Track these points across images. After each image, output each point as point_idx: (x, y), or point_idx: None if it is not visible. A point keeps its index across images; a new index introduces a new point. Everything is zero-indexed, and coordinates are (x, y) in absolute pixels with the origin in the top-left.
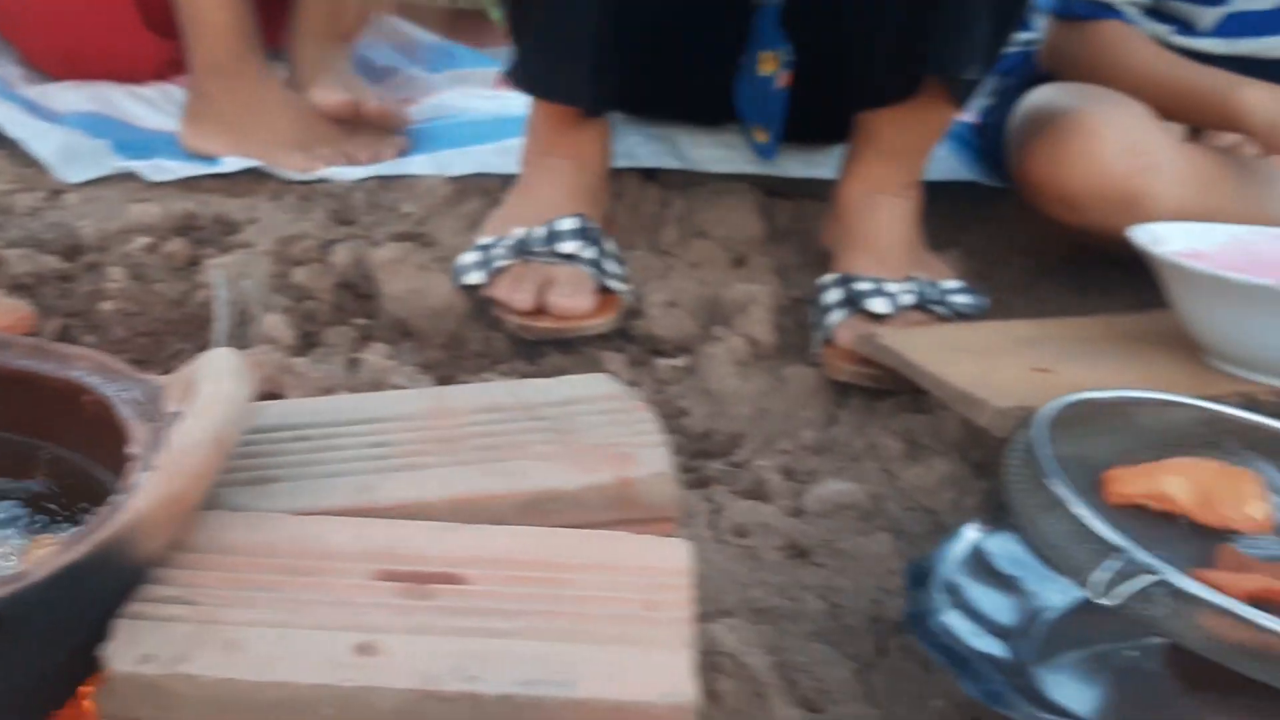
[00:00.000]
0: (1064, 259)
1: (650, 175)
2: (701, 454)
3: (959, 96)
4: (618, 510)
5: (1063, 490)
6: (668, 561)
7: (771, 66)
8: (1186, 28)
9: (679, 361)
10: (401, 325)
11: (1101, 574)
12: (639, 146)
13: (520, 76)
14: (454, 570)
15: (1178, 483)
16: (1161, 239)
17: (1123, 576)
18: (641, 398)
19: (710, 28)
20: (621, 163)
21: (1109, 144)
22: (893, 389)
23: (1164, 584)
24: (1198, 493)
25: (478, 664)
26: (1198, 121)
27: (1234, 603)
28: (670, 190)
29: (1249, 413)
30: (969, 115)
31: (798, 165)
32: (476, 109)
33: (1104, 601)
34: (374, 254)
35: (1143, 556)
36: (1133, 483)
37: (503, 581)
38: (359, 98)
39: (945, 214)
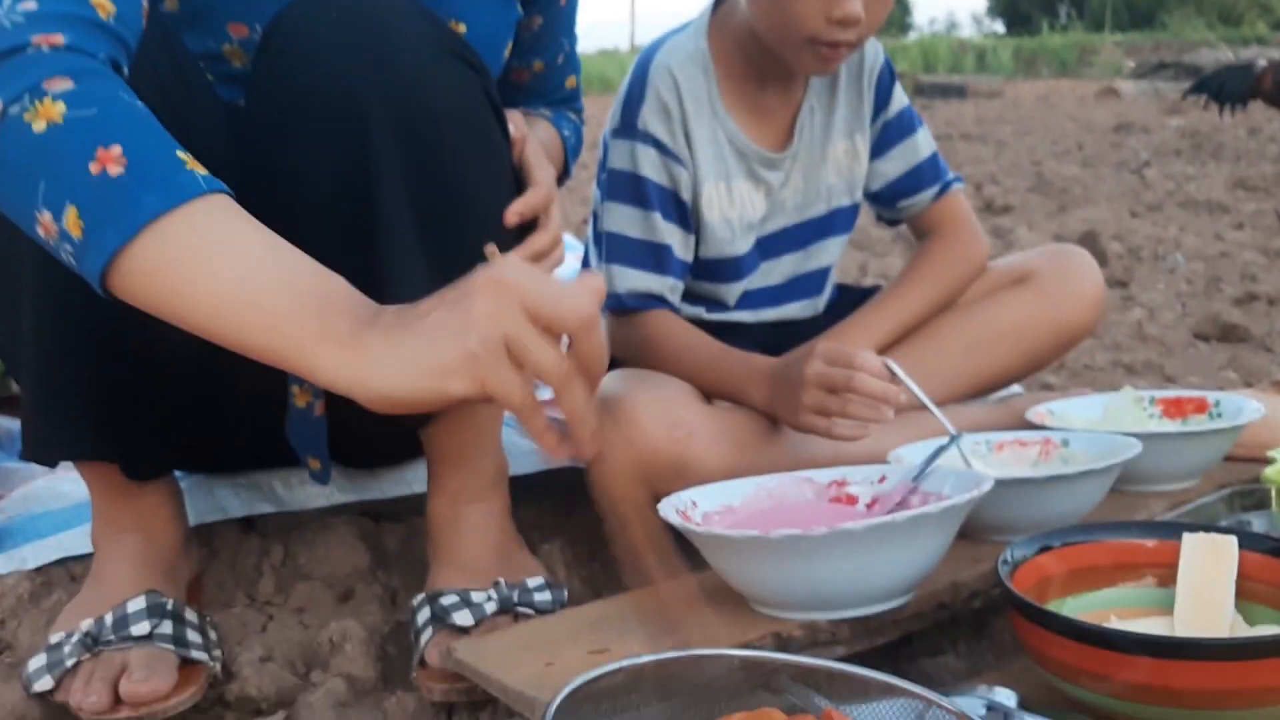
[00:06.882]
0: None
1: (249, 524)
2: None
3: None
4: None
5: None
6: None
7: (305, 398)
8: (718, 305)
9: (276, 718)
10: None
11: None
12: (230, 499)
13: (26, 446)
14: None
15: None
16: (698, 500)
17: None
18: None
19: (252, 374)
20: (213, 517)
21: (650, 422)
22: (488, 699)
23: None
24: None
25: None
26: (726, 397)
27: None
28: (269, 537)
29: (769, 653)
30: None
31: (395, 485)
32: (65, 494)
33: None
34: None
35: None
36: None
37: None
38: None
39: (554, 502)
